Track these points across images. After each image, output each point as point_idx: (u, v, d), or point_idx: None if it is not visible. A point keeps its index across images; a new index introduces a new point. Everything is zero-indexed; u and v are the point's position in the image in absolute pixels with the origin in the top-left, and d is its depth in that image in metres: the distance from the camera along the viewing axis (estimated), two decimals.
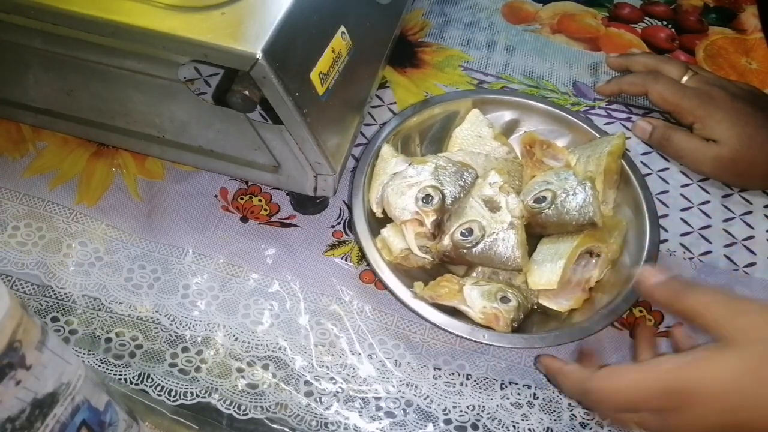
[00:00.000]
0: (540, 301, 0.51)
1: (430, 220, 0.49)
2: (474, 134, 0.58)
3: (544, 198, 0.51)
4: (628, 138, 0.61)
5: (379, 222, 0.53)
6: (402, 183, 0.51)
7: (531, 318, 0.50)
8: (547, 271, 0.49)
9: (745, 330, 0.35)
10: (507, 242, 0.48)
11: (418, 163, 0.52)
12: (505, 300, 0.47)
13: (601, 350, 0.51)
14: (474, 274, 0.52)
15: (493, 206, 0.50)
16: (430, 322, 0.48)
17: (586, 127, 0.59)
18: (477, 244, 0.48)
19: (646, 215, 0.53)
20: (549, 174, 0.54)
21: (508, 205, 0.49)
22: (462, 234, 0.49)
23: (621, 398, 0.39)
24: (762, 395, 0.34)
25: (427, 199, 0.49)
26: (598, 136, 0.58)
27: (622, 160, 0.56)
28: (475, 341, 0.47)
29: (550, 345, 0.48)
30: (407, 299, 0.48)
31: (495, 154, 0.57)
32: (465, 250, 0.49)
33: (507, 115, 0.61)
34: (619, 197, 0.56)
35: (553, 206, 0.50)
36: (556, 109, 0.60)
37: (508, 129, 0.61)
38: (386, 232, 0.51)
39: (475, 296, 0.48)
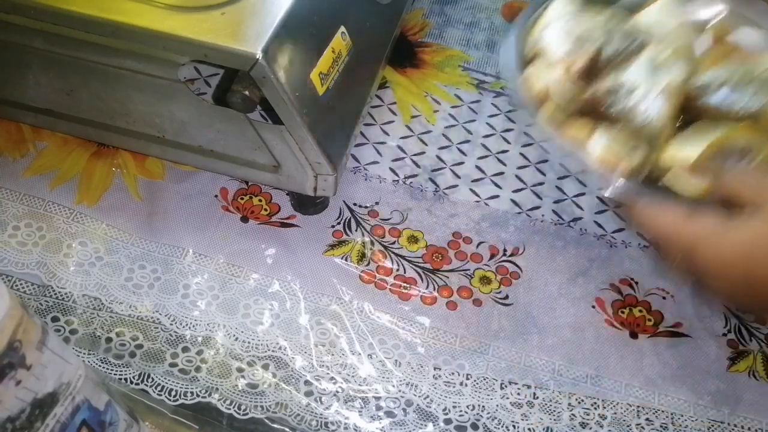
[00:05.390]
0: (668, 177, 0.46)
1: (578, 63, 0.46)
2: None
3: (710, 85, 0.46)
4: None
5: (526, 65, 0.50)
6: (564, 25, 0.49)
7: None
8: (688, 147, 0.45)
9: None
10: (655, 104, 0.44)
11: (593, 13, 0.49)
12: (634, 149, 0.44)
13: (601, 350, 0.52)
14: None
15: (655, 64, 0.46)
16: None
17: None
18: (622, 101, 0.45)
19: None
20: (734, 63, 0.47)
21: (672, 70, 0.46)
22: (610, 89, 0.46)
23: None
24: None
25: (582, 43, 0.47)
26: None
27: None
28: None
29: None
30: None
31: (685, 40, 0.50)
32: (607, 106, 0.45)
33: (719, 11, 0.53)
34: None
35: (717, 93, 0.45)
36: None
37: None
38: (531, 69, 0.49)
39: (602, 137, 0.45)
